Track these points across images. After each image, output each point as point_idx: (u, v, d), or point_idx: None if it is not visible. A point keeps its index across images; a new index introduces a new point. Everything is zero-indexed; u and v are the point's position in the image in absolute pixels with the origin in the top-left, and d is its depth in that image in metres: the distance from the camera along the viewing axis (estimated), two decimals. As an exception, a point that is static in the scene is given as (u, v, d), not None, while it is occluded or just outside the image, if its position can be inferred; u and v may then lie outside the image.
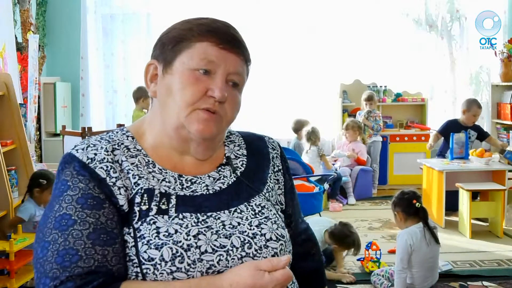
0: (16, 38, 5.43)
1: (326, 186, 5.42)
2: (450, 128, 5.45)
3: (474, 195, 5.01)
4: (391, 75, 7.03)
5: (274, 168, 1.22)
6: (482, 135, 5.57)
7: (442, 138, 5.59)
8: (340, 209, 5.75)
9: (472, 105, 5.41)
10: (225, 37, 1.09)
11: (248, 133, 1.28)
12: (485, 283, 3.66)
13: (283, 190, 1.23)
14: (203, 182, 1.11)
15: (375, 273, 3.67)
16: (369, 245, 3.99)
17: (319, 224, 3.82)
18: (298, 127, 6.42)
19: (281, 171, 1.24)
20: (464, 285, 3.64)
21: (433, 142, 5.57)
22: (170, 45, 1.10)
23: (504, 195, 4.80)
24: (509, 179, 5.02)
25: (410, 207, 3.30)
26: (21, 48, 5.59)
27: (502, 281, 3.68)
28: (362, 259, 3.98)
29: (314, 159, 5.99)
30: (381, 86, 7.14)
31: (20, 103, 4.30)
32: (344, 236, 3.67)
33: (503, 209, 4.79)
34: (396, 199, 3.41)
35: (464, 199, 4.76)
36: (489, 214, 4.87)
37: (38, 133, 6.14)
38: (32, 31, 5.86)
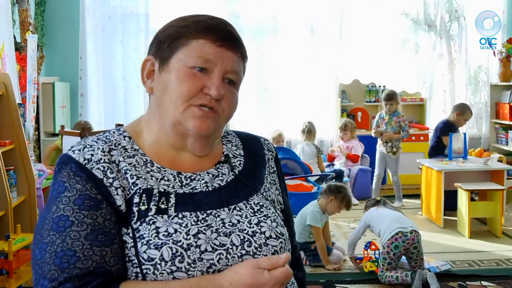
0: (14, 38, 5.42)
1: (325, 185, 5.40)
2: (448, 129, 5.56)
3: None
4: (390, 75, 7.01)
5: (270, 169, 1.22)
6: None
7: (436, 138, 5.72)
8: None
9: (467, 111, 5.71)
10: (222, 34, 1.08)
11: (245, 134, 1.27)
12: (484, 282, 3.66)
13: (280, 191, 1.23)
14: (202, 179, 1.10)
15: (382, 275, 3.65)
16: (367, 245, 3.97)
17: (310, 205, 4.17)
18: None
19: (276, 172, 1.24)
20: (463, 285, 3.64)
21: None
22: (166, 43, 1.09)
23: (502, 195, 4.81)
24: (507, 179, 5.03)
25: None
26: (19, 48, 5.57)
27: (500, 281, 3.68)
28: (361, 258, 3.98)
29: (312, 157, 5.97)
30: (379, 86, 7.12)
31: (18, 103, 4.29)
32: (339, 187, 4.23)
33: (501, 208, 4.79)
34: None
35: (462, 199, 4.76)
36: (487, 214, 4.87)
37: (36, 133, 6.12)
38: (31, 31, 5.85)
